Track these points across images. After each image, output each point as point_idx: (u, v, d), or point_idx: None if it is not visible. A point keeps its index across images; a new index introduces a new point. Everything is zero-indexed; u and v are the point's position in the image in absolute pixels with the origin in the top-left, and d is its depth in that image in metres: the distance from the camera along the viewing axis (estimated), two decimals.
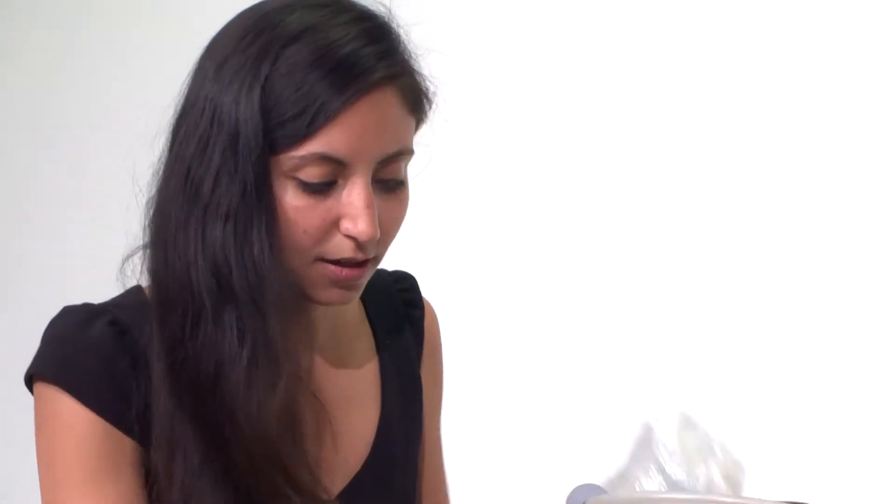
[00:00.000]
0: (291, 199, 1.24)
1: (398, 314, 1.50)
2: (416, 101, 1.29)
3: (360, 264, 1.28)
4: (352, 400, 1.40)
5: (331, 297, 1.29)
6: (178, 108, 1.30)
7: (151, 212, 1.30)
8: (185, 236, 1.25)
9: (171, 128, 1.30)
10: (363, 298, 1.42)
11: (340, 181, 1.25)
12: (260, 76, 1.22)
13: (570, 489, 1.27)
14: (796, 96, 2.59)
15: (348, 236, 1.26)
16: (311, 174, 1.23)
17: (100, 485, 1.26)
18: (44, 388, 1.29)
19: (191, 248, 1.25)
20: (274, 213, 1.24)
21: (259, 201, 1.23)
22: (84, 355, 1.28)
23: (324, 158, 1.23)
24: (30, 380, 1.31)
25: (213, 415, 1.26)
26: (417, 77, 1.30)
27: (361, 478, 1.39)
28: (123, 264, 1.34)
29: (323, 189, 1.24)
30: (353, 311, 1.45)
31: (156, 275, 1.29)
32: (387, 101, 1.25)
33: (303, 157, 1.23)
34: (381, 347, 1.46)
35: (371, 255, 1.28)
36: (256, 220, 1.23)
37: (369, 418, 1.42)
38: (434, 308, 1.54)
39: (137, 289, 1.35)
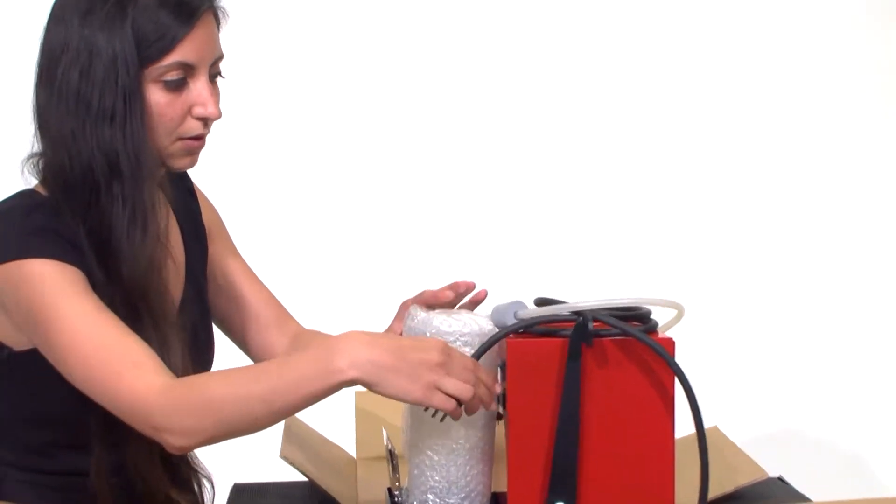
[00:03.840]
0: (159, 98, 1.83)
1: (179, 188, 2.08)
2: (220, 20, 1.89)
3: (202, 137, 1.88)
4: (171, 243, 1.98)
5: (184, 164, 1.90)
6: (48, 54, 1.85)
7: (44, 128, 1.86)
8: (84, 138, 1.81)
9: (43, 69, 1.86)
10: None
11: (189, 81, 1.84)
12: (127, 17, 1.79)
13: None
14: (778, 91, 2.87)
15: (200, 118, 1.86)
16: (172, 75, 1.82)
17: (87, 300, 1.79)
18: (23, 266, 1.80)
19: (89, 146, 1.81)
20: (148, 110, 1.83)
21: (136, 103, 1.81)
22: (42, 232, 1.82)
23: (180, 64, 1.83)
24: None
25: (109, 258, 1.83)
26: (218, 4, 1.89)
27: (186, 293, 2.02)
28: (24, 169, 1.89)
29: (179, 86, 1.84)
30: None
31: (60, 171, 1.84)
32: (210, 22, 1.86)
33: (167, 65, 1.82)
34: (174, 209, 2.06)
35: (208, 131, 1.88)
36: (136, 117, 1.81)
37: (180, 252, 2.04)
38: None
39: (27, 192, 1.90)
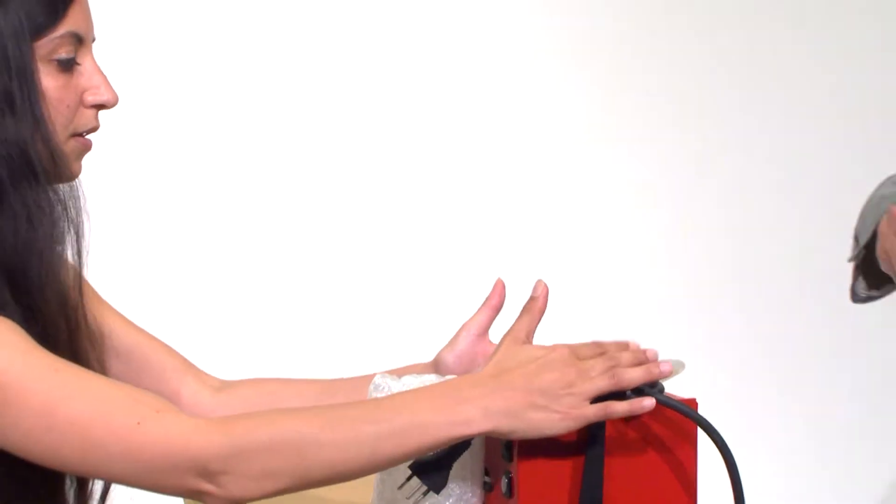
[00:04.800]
0: (52, 81, 1.59)
1: None
2: None
3: (93, 132, 1.64)
4: None
5: (77, 170, 1.63)
6: None
7: None
8: None
9: None
10: None
11: (79, 61, 1.61)
12: None
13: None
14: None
15: (94, 106, 1.62)
16: (63, 52, 1.59)
17: (43, 353, 1.48)
18: None
19: None
20: (44, 95, 1.58)
21: (32, 84, 1.56)
22: None
23: (72, 35, 1.59)
24: None
25: (28, 292, 1.53)
26: None
27: None
28: None
29: (70, 66, 1.60)
30: None
31: None
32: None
33: (59, 37, 1.58)
34: None
35: (99, 125, 1.65)
36: (35, 102, 1.57)
37: None
38: None
39: None
